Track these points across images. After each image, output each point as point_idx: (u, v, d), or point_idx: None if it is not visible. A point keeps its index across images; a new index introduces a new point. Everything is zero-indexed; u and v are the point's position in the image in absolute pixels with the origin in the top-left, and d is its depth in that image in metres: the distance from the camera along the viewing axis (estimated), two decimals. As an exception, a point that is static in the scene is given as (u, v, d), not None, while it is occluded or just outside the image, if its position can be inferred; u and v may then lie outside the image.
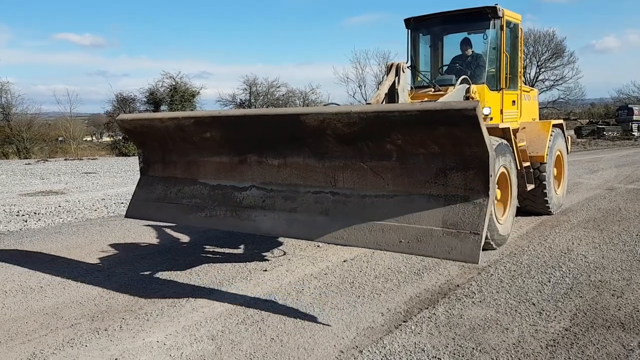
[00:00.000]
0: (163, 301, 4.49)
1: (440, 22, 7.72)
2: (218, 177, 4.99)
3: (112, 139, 38.36)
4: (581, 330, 3.61)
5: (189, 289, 4.81)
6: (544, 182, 7.50)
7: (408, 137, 3.81)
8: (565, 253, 5.59)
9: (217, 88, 65.55)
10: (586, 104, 59.37)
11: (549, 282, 4.67)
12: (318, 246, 6.21)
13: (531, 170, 7.28)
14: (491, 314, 3.95)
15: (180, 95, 35.67)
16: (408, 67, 7.33)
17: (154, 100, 36.27)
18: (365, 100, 42.49)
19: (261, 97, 39.16)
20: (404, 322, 3.87)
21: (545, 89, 55.24)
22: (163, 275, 5.27)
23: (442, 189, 3.77)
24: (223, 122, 4.79)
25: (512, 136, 6.61)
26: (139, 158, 5.51)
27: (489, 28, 7.15)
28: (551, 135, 7.75)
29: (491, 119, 6.91)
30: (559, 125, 8.44)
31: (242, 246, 6.46)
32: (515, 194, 6.51)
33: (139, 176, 5.51)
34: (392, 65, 6.17)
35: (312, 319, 3.97)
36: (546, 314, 3.93)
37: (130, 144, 35.69)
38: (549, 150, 7.62)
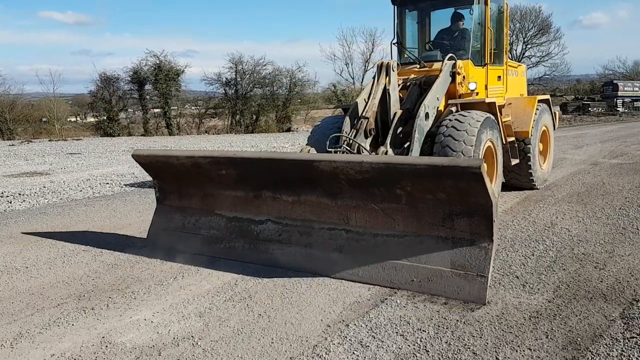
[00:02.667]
0: (150, 280, 4.50)
1: None
2: (234, 210, 5.21)
3: (96, 119, 37.88)
4: (564, 302, 3.67)
5: (176, 267, 4.81)
6: (528, 155, 7.55)
7: (417, 186, 4.09)
8: (549, 227, 5.66)
9: (202, 67, 64.81)
10: (572, 80, 59.68)
11: (533, 255, 4.74)
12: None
13: (516, 145, 7.33)
14: (476, 287, 4.00)
15: (165, 74, 35.23)
16: (394, 44, 7.63)
17: (138, 80, 35.81)
18: (353, 79, 42.34)
19: (247, 76, 38.75)
20: (390, 296, 3.91)
21: (531, 65, 55.24)
22: (150, 254, 5.25)
23: (450, 232, 4.04)
24: (238, 162, 5.01)
25: (498, 111, 6.67)
26: (155, 188, 5.73)
27: (473, 3, 7.15)
28: (537, 110, 7.79)
29: (477, 93, 6.96)
30: (545, 101, 8.47)
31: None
32: (500, 168, 6.59)
33: (155, 204, 5.75)
34: (382, 65, 6.35)
35: (299, 295, 3.99)
36: (529, 286, 3.99)
37: (115, 125, 35.37)
38: (534, 125, 7.66)
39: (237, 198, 5.18)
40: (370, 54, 41.51)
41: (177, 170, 5.35)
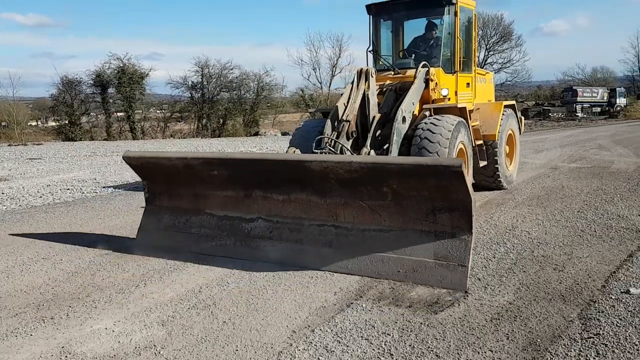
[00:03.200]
0: (112, 288, 4.40)
1: (399, 8, 8.11)
2: (225, 209, 5.37)
3: (58, 123, 36.93)
4: (524, 303, 3.76)
5: (139, 275, 4.73)
6: (495, 158, 7.93)
7: (402, 184, 4.38)
8: (510, 230, 5.79)
9: (168, 70, 63.78)
10: (533, 86, 61.24)
11: (494, 257, 4.84)
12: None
13: (484, 147, 7.75)
14: (438, 290, 4.06)
15: (129, 77, 34.65)
16: (370, 51, 8.05)
17: (100, 83, 35.12)
18: (320, 84, 42.48)
19: (214, 80, 38.45)
20: (356, 300, 3.93)
21: (493, 71, 56.19)
22: (112, 261, 5.15)
23: (432, 226, 4.35)
24: (230, 163, 5.23)
25: (468, 116, 7.10)
26: (144, 189, 5.85)
27: (444, 14, 7.61)
28: (503, 115, 8.19)
29: (449, 99, 7.44)
30: (511, 106, 8.94)
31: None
32: (471, 169, 6.92)
33: (144, 205, 5.88)
34: (361, 71, 6.75)
35: (265, 301, 3.97)
36: (491, 288, 4.07)
37: (77, 129, 34.57)
38: (501, 129, 8.04)
39: (228, 197, 5.33)
40: (337, 59, 41.86)
41: (167, 172, 5.49)
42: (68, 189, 10.23)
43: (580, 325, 3.36)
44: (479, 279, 4.27)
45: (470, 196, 4.13)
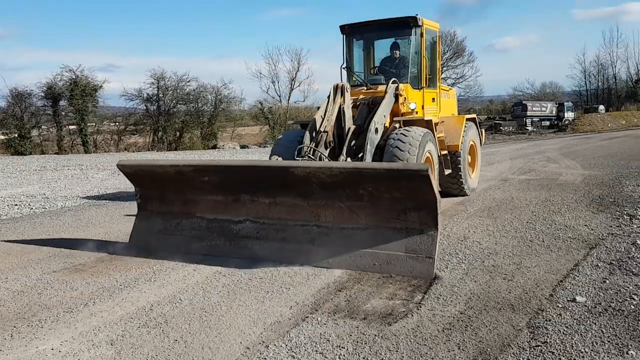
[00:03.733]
0: (59, 307, 4.25)
1: (371, 29, 8.77)
2: (215, 212, 5.77)
3: (6, 137, 35.51)
4: (475, 313, 3.84)
5: (88, 293, 4.58)
6: (459, 166, 8.62)
7: (377, 187, 4.90)
8: (462, 240, 5.92)
9: (124, 82, 62.49)
10: (485, 100, 63.13)
11: (447, 268, 4.93)
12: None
13: (448, 157, 8.37)
14: (392, 302, 4.10)
15: (81, 89, 33.74)
16: (344, 68, 8.58)
17: (52, 95, 34.06)
18: (279, 97, 42.50)
19: (170, 92, 37.88)
20: (311, 314, 3.92)
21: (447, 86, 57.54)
22: (60, 279, 4.98)
23: (403, 223, 4.88)
24: (220, 170, 5.72)
25: (433, 128, 7.73)
26: (136, 195, 6.22)
27: (411, 35, 8.27)
28: (465, 127, 8.92)
29: (416, 112, 8.13)
30: (472, 120, 9.74)
31: (147, 246, 6.23)
32: (437, 176, 7.37)
33: (136, 210, 6.26)
34: (337, 86, 7.34)
35: (218, 317, 3.92)
36: (443, 299, 4.14)
37: (27, 142, 33.34)
38: (463, 140, 8.76)
39: (218, 202, 5.74)
40: (296, 73, 41.96)
41: (159, 179, 5.89)
42: (16, 205, 9.85)
43: (529, 334, 3.45)
44: (432, 290, 4.34)
45: (436, 197, 4.67)
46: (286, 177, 5.24)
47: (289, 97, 41.94)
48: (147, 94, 37.36)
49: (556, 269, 4.76)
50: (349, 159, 6.65)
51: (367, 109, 7.56)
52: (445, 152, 8.33)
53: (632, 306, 3.79)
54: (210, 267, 5.21)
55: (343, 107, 7.19)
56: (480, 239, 5.98)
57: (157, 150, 34.16)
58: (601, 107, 51.50)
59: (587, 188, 9.26)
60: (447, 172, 8.31)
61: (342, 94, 7.28)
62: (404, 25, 8.31)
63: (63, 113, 35.19)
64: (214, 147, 35.42)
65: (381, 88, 7.83)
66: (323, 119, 7.04)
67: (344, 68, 8.59)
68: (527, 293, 4.21)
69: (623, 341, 3.27)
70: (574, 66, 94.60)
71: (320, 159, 6.52)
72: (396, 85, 7.77)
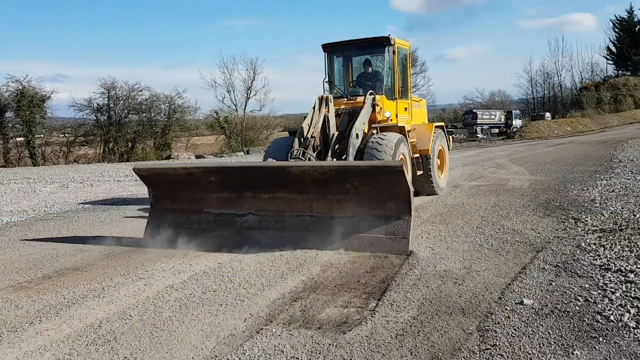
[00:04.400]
0: (3, 326, 4.07)
1: (349, 47, 9.92)
2: (220, 207, 6.62)
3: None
4: (427, 318, 3.90)
5: (33, 311, 4.40)
6: (429, 168, 9.64)
7: (361, 181, 5.86)
8: (415, 246, 6.00)
9: (74, 92, 60.63)
10: (437, 109, 64.48)
11: (400, 274, 4.99)
12: (184, 256, 6.03)
13: (420, 160, 9.44)
14: (347, 310, 4.12)
15: (29, 100, 32.54)
16: (326, 82, 9.65)
17: (-4, 106, 32.69)
18: (235, 106, 42.20)
19: (121, 102, 37.00)
20: (266, 325, 3.89)
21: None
22: (4, 297, 4.77)
23: (383, 211, 5.84)
24: (225, 171, 6.79)
25: (406, 133, 8.83)
26: (149, 195, 7.04)
27: (385, 52, 9.39)
28: (434, 134, 10.00)
29: (391, 120, 9.16)
30: (441, 127, 10.91)
31: (96, 261, 6.06)
32: (410, 177, 7.79)
33: (149, 209, 7.08)
34: (322, 97, 8.33)
35: (170, 333, 3.83)
36: (397, 305, 4.18)
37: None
38: (433, 145, 9.82)
39: (223, 198, 6.58)
40: (252, 82, 41.78)
41: (171, 180, 6.77)
42: (-46, 221, 9.37)
43: (479, 337, 3.53)
44: (385, 296, 4.38)
45: (409, 189, 5.66)
46: (284, 175, 6.18)
47: (245, 106, 41.75)
48: (97, 104, 36.37)
49: (505, 273, 4.89)
50: (334, 160, 7.70)
51: (348, 118, 8.60)
52: (417, 155, 9.37)
53: (577, 307, 3.93)
54: (162, 281, 5.11)
55: (328, 116, 8.25)
56: (432, 244, 6.09)
57: (108, 162, 33.27)
58: (547, 114, 53.51)
59: (534, 193, 9.58)
60: (419, 173, 9.33)
61: (327, 105, 8.31)
62: (379, 44, 9.45)
63: (9, 125, 33.82)
64: (168, 157, 34.77)
65: (360, 99, 8.89)
66: (310, 127, 8.07)
67: (326, 82, 9.64)
68: (477, 297, 4.30)
69: (568, 342, 3.39)
70: (521, 75, 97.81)
71: (309, 160, 7.47)
72: (373, 96, 8.81)
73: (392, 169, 5.69)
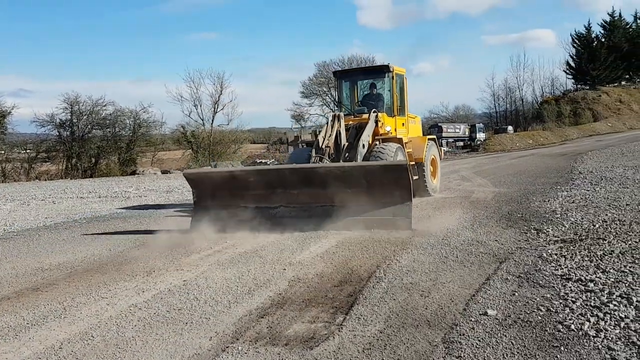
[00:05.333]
0: (-46, 353, 3.90)
1: (355, 73, 12.74)
2: (256, 202, 8.13)
3: None
4: (394, 331, 3.92)
5: (-11, 335, 4.24)
6: (424, 174, 11.24)
7: (374, 176, 7.62)
8: (383, 259, 6.03)
9: (34, 107, 59.09)
10: (404, 122, 65.12)
11: (367, 286, 5.01)
12: (148, 274, 5.92)
13: (416, 166, 10.97)
14: (314, 325, 4.11)
15: (-12, 116, 31.65)
16: (336, 103, 11.33)
17: (-47, 122, 31.67)
18: (202, 120, 41.94)
19: (85, 117, 36.36)
20: (232, 343, 3.84)
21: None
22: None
23: (390, 199, 7.51)
24: (263, 173, 8.69)
25: (404, 144, 10.76)
26: (193, 195, 8.66)
27: (385, 77, 11.46)
28: (427, 145, 11.74)
29: (391, 133, 10.99)
30: (433, 139, 12.66)
31: (57, 281, 5.89)
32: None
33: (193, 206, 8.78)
34: (335, 115, 10.12)
35: (133, 353, 3.75)
36: (364, 319, 4.19)
37: None
38: (426, 154, 11.49)
39: (258, 195, 8.09)
40: (219, 96, 41.60)
41: (213, 181, 8.42)
42: None
43: (444, 349, 3.57)
44: (352, 310, 4.38)
45: (410, 181, 7.47)
46: (311, 174, 7.97)
47: (213, 120, 41.50)
48: (60, 120, 35.73)
49: (469, 284, 4.96)
50: None
51: (355, 131, 10.36)
52: (414, 162, 10.88)
53: (539, 317, 4.01)
54: (125, 300, 5.00)
55: (339, 130, 9.98)
56: (399, 257, 6.13)
57: (71, 178, 32.51)
58: (510, 127, 54.88)
59: (497, 205, 9.78)
60: (415, 177, 10.65)
61: (338, 121, 10.03)
62: (380, 71, 11.52)
63: (-32, 141, 32.80)
64: (133, 173, 34.19)
65: (365, 116, 10.71)
66: (324, 139, 9.77)
67: (336, 103, 12.54)
68: (442, 308, 4.35)
69: (531, 352, 3.45)
70: (484, 89, 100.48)
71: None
72: (376, 114, 10.63)
73: (399, 167, 7.60)
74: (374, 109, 10.75)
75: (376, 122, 10.59)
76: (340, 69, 13.82)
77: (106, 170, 35.66)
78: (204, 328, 4.18)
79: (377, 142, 10.36)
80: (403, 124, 11.82)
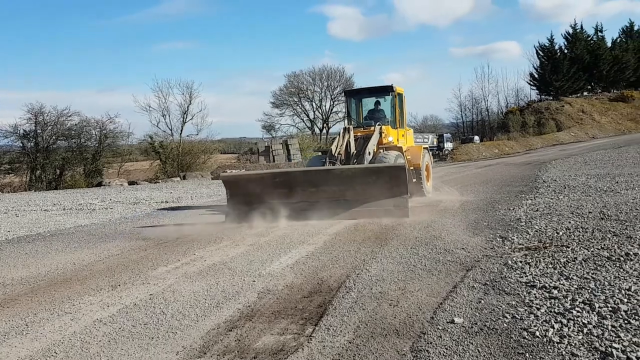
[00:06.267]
0: None
1: (363, 92, 14.30)
2: (279, 199, 9.83)
3: None
4: (363, 341, 3.92)
5: (-56, 355, 4.08)
6: (420, 177, 12.85)
7: (379, 175, 9.55)
8: (353, 269, 6.05)
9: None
10: (374, 132, 65.65)
11: (337, 296, 5.01)
12: (113, 288, 5.79)
13: (413, 171, 12.63)
14: (284, 337, 4.09)
15: (-57, 127, 30.62)
16: (345, 116, 14.44)
17: None
18: (171, 130, 41.45)
19: (49, 127, 35.51)
20: (199, 358, 3.79)
21: (339, 120, 59.78)
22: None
23: (391, 192, 9.40)
24: (286, 174, 11.34)
25: (403, 152, 12.56)
26: (227, 194, 10.57)
27: (388, 96, 13.56)
28: (423, 153, 13.49)
29: (393, 142, 12.77)
30: (426, 148, 14.41)
31: (19, 296, 5.72)
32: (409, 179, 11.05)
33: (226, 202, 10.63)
34: (345, 128, 12.15)
35: (97, 369, 3.65)
36: (333, 329, 4.19)
37: None
38: (422, 160, 13.12)
39: (282, 192, 9.93)
40: (188, 106, 41.16)
41: (245, 182, 10.60)
42: None
43: (412, 358, 3.59)
44: (322, 321, 4.38)
45: (407, 178, 9.53)
46: (328, 175, 10.00)
47: (182, 130, 41.00)
48: (24, 130, 34.81)
49: (437, 292, 5.02)
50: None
51: (362, 141, 12.14)
52: (412, 167, 12.61)
53: (504, 324, 4.07)
54: (90, 315, 4.88)
55: (349, 140, 11.83)
56: (369, 266, 6.16)
57: (35, 190, 31.66)
58: (476, 137, 55.93)
59: (464, 213, 9.93)
60: (414, 180, 12.42)
61: (348, 133, 11.89)
62: (384, 90, 13.49)
63: None
64: (99, 184, 33.51)
65: (371, 128, 12.46)
66: (336, 148, 11.61)
67: (345, 116, 14.89)
68: (410, 317, 4.38)
69: (497, 359, 3.50)
70: (451, 100, 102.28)
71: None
72: (380, 127, 12.50)
73: (398, 167, 9.74)
74: (378, 122, 12.70)
75: (380, 133, 12.38)
76: (349, 88, 17.32)
77: (71, 182, 34.82)
78: (170, 343, 4.11)
79: (381, 151, 12.15)
80: (403, 135, 13.65)
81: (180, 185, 28.31)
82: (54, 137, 35.71)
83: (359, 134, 12.43)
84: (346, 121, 13.80)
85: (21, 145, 35.12)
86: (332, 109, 60.90)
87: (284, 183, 9.95)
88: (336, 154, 11.38)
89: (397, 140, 13.05)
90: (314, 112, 62.04)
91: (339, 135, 12.10)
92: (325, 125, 61.96)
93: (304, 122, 62.78)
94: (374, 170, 9.78)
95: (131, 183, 33.62)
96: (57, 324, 4.67)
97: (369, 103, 14.28)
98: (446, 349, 3.69)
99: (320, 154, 13.78)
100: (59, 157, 35.34)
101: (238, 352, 3.85)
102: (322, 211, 9.46)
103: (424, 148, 14.13)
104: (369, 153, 11.62)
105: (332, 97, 60.74)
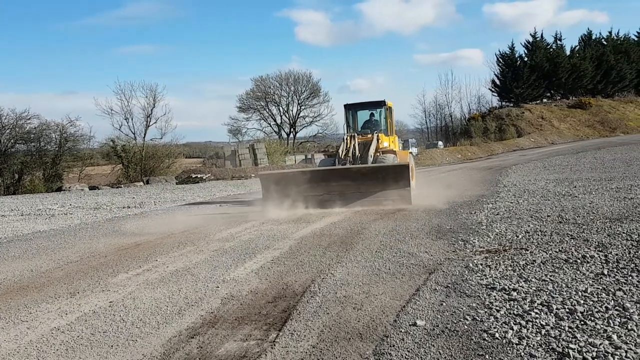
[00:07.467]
0: None
1: (359, 105, 16.54)
2: (308, 192, 12.30)
3: None
4: (326, 345, 3.93)
5: None
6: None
7: (387, 172, 12.22)
8: (318, 273, 6.05)
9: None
10: (341, 138, 66.08)
11: (301, 301, 5.00)
12: (72, 295, 5.64)
13: None
14: (247, 343, 4.05)
15: None
16: (345, 126, 16.45)
17: None
18: (134, 134, 40.69)
19: (7, 131, 34.39)
20: (161, 365, 3.72)
21: (306, 124, 59.88)
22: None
23: (396, 185, 11.88)
24: (314, 172, 13.47)
25: (397, 155, 15.08)
26: (263, 188, 13.00)
27: (381, 109, 16.20)
28: (410, 157, 15.52)
29: (388, 147, 15.33)
30: (410, 153, 17.12)
31: (-30, 306, 5.50)
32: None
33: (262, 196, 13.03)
34: (350, 136, 14.79)
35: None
36: (297, 334, 4.18)
37: None
38: (410, 162, 14.25)
39: (309, 186, 12.30)
40: (152, 109, 40.53)
41: (278, 178, 12.98)
42: None
43: (375, 361, 3.61)
44: (286, 326, 4.36)
45: (409, 175, 11.96)
46: (347, 172, 12.56)
47: (145, 134, 40.32)
48: (-21, 133, 33.52)
49: (400, 295, 5.07)
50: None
51: (363, 146, 14.59)
52: None
53: (465, 326, 4.14)
54: (47, 323, 4.74)
55: (355, 145, 14.30)
56: (334, 270, 6.18)
57: (-9, 195, 30.55)
58: (440, 143, 56.86)
59: (427, 217, 10.07)
60: None
61: (354, 139, 14.50)
62: (377, 104, 16.10)
63: None
64: (59, 189, 32.60)
65: (369, 136, 14.96)
66: (344, 151, 14.19)
67: (345, 125, 16.42)
68: (374, 320, 4.41)
69: None
70: (416, 106, 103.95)
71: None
72: (377, 134, 14.97)
73: (403, 166, 12.26)
74: (375, 131, 15.32)
75: (377, 139, 14.85)
76: (348, 102, 17.76)
77: (30, 186, 33.77)
78: (130, 351, 4.03)
79: (379, 154, 14.63)
80: (392, 141, 16.28)
81: (144, 190, 27.78)
82: (12, 141, 34.59)
83: (359, 140, 14.90)
84: (345, 130, 16.22)
85: (-23, 149, 33.88)
86: (299, 114, 60.87)
87: (312, 179, 12.46)
88: (343, 157, 14.01)
89: (389, 145, 15.74)
90: (281, 116, 62.01)
91: (344, 141, 14.82)
92: (292, 129, 61.98)
93: (270, 126, 62.62)
94: (383, 169, 12.35)
95: (92, 188, 32.83)
96: (12, 333, 4.52)
97: (364, 115, 16.74)
98: (408, 351, 3.73)
99: (326, 157, 18.10)
100: (17, 161, 34.24)
101: (200, 359, 3.79)
102: (341, 201, 11.99)
103: (410, 153, 16.99)
104: (371, 156, 14.17)
105: (299, 102, 60.76)
